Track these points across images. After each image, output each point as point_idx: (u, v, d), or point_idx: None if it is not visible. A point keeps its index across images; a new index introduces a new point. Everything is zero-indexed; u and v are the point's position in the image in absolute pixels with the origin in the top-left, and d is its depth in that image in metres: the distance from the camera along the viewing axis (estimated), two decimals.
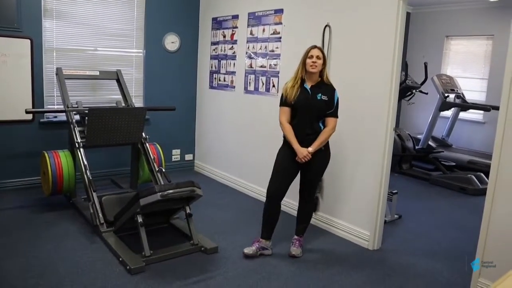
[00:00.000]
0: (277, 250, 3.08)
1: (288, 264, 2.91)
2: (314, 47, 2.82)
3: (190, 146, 5.36)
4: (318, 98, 2.80)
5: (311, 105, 2.80)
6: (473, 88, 6.58)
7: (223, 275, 2.71)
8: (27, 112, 3.64)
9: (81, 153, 3.44)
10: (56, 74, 3.94)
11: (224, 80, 4.75)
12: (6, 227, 3.27)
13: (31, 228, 3.28)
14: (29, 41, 3.96)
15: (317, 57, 2.78)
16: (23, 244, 2.98)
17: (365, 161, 3.25)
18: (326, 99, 2.81)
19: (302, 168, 2.91)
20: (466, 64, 6.78)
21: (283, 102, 2.87)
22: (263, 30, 4.15)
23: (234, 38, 4.55)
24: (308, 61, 2.78)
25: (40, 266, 2.69)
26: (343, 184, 3.45)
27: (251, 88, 4.35)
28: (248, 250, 2.96)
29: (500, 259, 2.46)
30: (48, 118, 4.29)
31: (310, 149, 2.79)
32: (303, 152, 2.78)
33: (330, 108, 2.83)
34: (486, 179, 4.98)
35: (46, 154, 3.57)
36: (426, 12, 7.02)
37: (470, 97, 6.20)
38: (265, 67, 4.16)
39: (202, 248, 2.99)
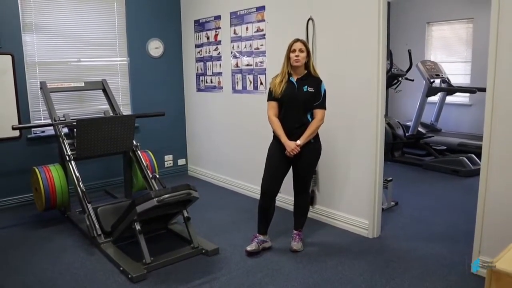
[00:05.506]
0: (278, 245, 3.08)
1: (290, 259, 2.90)
2: (297, 40, 2.82)
3: (182, 151, 5.33)
4: (305, 90, 2.81)
5: (298, 97, 2.80)
6: (457, 71, 6.65)
7: (227, 275, 2.69)
8: (13, 129, 3.58)
9: (73, 165, 3.40)
10: (41, 88, 3.89)
11: (211, 82, 4.73)
12: (1, 246, 3.21)
13: (27, 245, 3.22)
14: (10, 56, 3.89)
15: (300, 50, 2.78)
16: (20, 262, 2.93)
17: (358, 151, 3.27)
18: (313, 90, 2.82)
19: (294, 162, 2.91)
20: (448, 49, 6.86)
21: (271, 97, 2.87)
22: (247, 28, 4.14)
23: (218, 39, 4.54)
24: (292, 55, 2.79)
25: (39, 283, 2.64)
26: (338, 175, 3.46)
27: (239, 87, 4.34)
28: (250, 247, 2.95)
29: (497, 235, 2.49)
30: (36, 133, 4.22)
31: (299, 142, 2.79)
32: (291, 146, 2.78)
33: (317, 99, 2.83)
34: (477, 160, 5.04)
35: (36, 170, 3.51)
36: (405, 0, 7.08)
37: (455, 80, 6.27)
38: (251, 65, 4.15)
39: (203, 251, 2.98)
